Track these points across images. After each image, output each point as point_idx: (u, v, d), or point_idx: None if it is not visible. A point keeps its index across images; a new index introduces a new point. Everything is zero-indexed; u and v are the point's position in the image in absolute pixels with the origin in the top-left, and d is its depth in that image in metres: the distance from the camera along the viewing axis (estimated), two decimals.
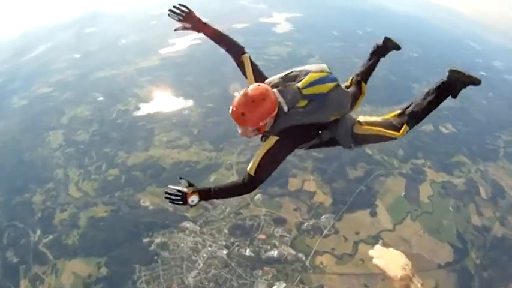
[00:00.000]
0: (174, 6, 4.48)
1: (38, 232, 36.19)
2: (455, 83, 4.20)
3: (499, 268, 37.75)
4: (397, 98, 62.23)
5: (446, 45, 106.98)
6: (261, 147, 4.07)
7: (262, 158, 3.96)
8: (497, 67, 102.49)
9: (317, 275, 32.95)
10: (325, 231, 36.24)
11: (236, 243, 34.43)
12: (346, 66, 62.95)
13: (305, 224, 36.61)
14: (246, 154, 43.85)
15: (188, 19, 4.66)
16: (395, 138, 4.30)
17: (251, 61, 4.50)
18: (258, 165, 3.97)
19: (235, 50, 4.74)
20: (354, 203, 39.36)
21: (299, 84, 3.95)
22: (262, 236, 35.18)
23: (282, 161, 4.19)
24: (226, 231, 35.41)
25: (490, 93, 75.66)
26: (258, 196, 38.81)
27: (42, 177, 42.60)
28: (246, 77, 4.39)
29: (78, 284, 31.63)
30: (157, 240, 34.53)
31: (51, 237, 35.56)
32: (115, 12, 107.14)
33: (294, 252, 34.12)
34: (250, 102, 3.66)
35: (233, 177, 40.40)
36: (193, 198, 3.95)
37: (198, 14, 4.76)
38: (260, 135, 4.31)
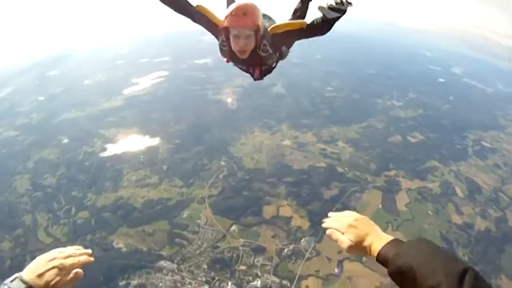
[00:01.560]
0: None
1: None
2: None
3: (488, 261, 38.07)
4: (361, 115, 64.43)
5: (400, 58, 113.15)
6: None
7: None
8: (455, 73, 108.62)
9: None
10: (307, 254, 35.44)
11: (217, 278, 33.08)
12: (308, 91, 64.15)
13: (285, 250, 35.78)
14: (217, 186, 43.44)
15: None
16: (303, 27, 4.61)
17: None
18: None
19: (188, 6, 4.97)
20: None
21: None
22: (243, 267, 33.99)
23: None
24: (205, 266, 34.02)
25: (450, 97, 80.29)
26: (233, 227, 38.09)
27: (10, 224, 40.51)
28: (212, 19, 4.75)
29: None
30: (134, 282, 32.80)
31: None
32: (80, 53, 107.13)
33: (277, 280, 33.08)
34: (247, 6, 4.20)
35: (205, 211, 40.09)
36: None
37: None
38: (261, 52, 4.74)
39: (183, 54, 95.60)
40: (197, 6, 4.74)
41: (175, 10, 5.05)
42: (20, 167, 49.87)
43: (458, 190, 45.86)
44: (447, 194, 44.35)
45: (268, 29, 4.57)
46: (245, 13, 4.10)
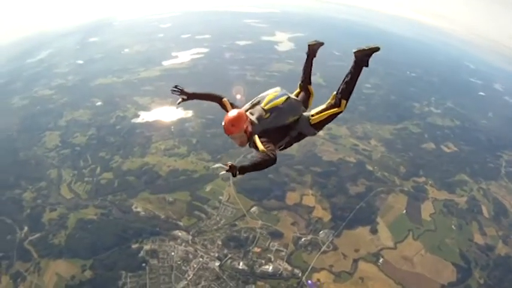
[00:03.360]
0: (174, 87, 5.69)
1: (25, 229, 34.97)
2: (362, 58, 5.19)
3: None
4: (397, 116, 63.15)
5: (443, 65, 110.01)
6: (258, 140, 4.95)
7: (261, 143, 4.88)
8: (497, 89, 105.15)
9: None
10: (324, 247, 35.10)
11: (229, 256, 33.11)
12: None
13: (302, 239, 35.47)
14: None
15: (184, 94, 5.79)
16: (340, 112, 5.38)
17: (230, 102, 5.74)
18: (264, 141, 4.91)
19: (217, 99, 5.92)
20: (354, 219, 38.48)
21: (261, 105, 5.39)
22: (257, 250, 33.93)
23: (274, 141, 5.15)
24: (219, 242, 34.12)
25: (489, 114, 77.39)
26: (254, 208, 38.03)
27: (34, 176, 41.66)
28: (227, 111, 5.33)
29: (61, 285, 30.24)
30: (147, 247, 33.21)
31: (38, 235, 34.34)
32: (121, 23, 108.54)
33: (290, 268, 32.83)
34: (231, 119, 4.85)
35: (229, 189, 40.13)
36: (234, 171, 4.19)
37: (189, 89, 5.73)
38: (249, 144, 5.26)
39: (225, 34, 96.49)
40: (223, 100, 5.76)
41: (207, 100, 6.08)
42: (52, 124, 51.29)
43: (484, 209, 44.24)
44: (473, 211, 42.89)
45: (310, 121, 5.57)
46: (233, 125, 4.82)
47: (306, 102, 6.29)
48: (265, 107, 5.34)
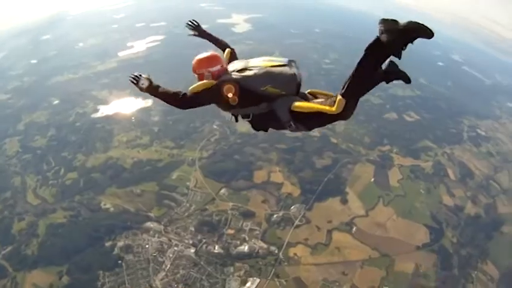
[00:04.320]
0: (189, 21, 6.10)
1: None
2: (395, 39, 3.85)
3: (476, 245, 38.65)
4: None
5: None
6: (204, 82, 4.78)
7: (202, 89, 4.71)
8: (456, 59, 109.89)
9: (292, 267, 31.97)
10: (297, 222, 35.41)
11: (204, 241, 32.96)
12: (306, 62, 63.78)
13: (275, 216, 35.66)
14: (208, 149, 43.06)
15: (197, 29, 6.13)
16: (333, 115, 4.29)
17: (230, 54, 5.69)
18: (196, 92, 4.72)
19: (223, 47, 5.94)
20: (324, 191, 38.89)
21: (253, 61, 4.86)
22: (231, 231, 33.91)
23: (207, 102, 4.87)
24: (192, 228, 33.85)
25: (448, 83, 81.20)
26: (223, 190, 37.84)
27: None
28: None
29: None
30: (120, 244, 32.54)
31: (9, 248, 33.04)
32: (73, 17, 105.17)
33: (265, 246, 33.04)
34: (200, 56, 5.06)
35: (196, 174, 39.75)
36: (144, 82, 4.72)
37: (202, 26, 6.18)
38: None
39: (180, 20, 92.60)
40: (228, 49, 5.82)
41: (214, 43, 6.19)
42: (10, 130, 49.14)
43: (450, 172, 46.06)
44: (439, 175, 44.32)
45: (292, 106, 4.57)
46: (199, 61, 5.06)
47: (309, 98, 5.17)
48: (250, 63, 4.90)
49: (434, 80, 79.71)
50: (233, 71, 4.88)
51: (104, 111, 50.11)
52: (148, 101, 51.51)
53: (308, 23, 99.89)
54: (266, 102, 4.80)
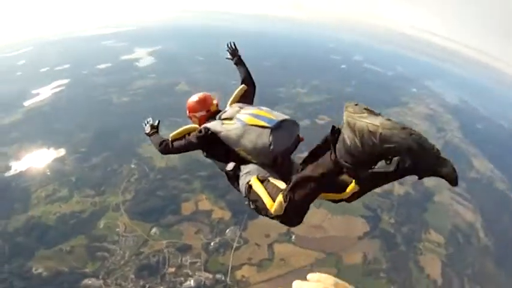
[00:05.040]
0: (229, 43, 5.71)
1: None
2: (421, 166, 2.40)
3: (415, 220, 41.58)
4: (266, 104, 65.53)
5: (300, 50, 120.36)
6: (186, 127, 4.58)
7: (183, 134, 4.52)
8: (357, 59, 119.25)
9: None
10: (235, 244, 35.30)
11: (147, 286, 31.57)
12: (214, 85, 64.96)
13: (212, 244, 35.32)
14: (131, 191, 41.74)
15: (234, 54, 5.71)
16: (271, 214, 3.38)
17: (244, 91, 5.12)
18: (177, 138, 4.54)
19: (244, 82, 5.42)
20: None
21: (242, 110, 4.30)
22: (172, 269, 32.87)
23: (187, 149, 4.52)
24: (132, 276, 32.27)
25: (353, 82, 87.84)
26: (154, 230, 36.84)
27: None
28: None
29: None
30: None
31: None
32: None
33: (211, 276, 32.48)
34: (193, 98, 4.94)
35: (122, 218, 38.34)
36: (148, 129, 5.17)
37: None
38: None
39: (84, 61, 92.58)
40: (244, 86, 5.19)
41: (241, 74, 5.63)
42: None
43: None
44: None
45: (256, 175, 3.71)
46: (190, 102, 4.95)
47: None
48: (239, 114, 4.18)
49: (339, 82, 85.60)
50: (220, 117, 4.39)
51: (16, 167, 46.78)
52: (61, 151, 49.47)
53: (212, 48, 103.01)
54: (237, 163, 4.06)
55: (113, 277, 32.33)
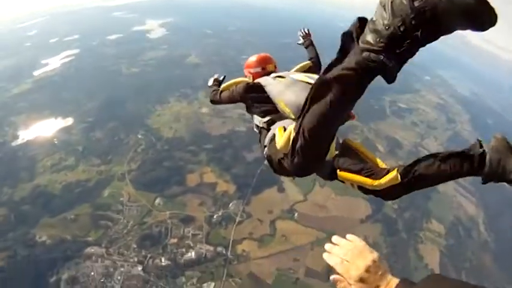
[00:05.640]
0: (302, 29, 5.81)
1: None
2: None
3: (417, 207, 41.30)
4: None
5: (315, 29, 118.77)
6: (236, 80, 4.80)
7: (232, 84, 4.70)
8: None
9: (243, 264, 31.92)
10: (238, 218, 35.40)
11: (149, 256, 31.86)
12: (223, 59, 64.39)
13: (215, 217, 35.40)
14: (137, 161, 41.84)
15: (306, 38, 5.70)
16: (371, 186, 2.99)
17: (308, 67, 4.93)
18: (226, 88, 4.75)
19: (310, 58, 5.36)
20: (259, 183, 39.12)
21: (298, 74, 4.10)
22: (174, 240, 33.11)
23: (233, 99, 4.54)
24: (134, 245, 32.59)
25: None
26: (158, 200, 36.92)
27: None
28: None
29: None
30: (65, 276, 30.54)
31: None
32: None
33: (212, 248, 32.67)
34: (256, 56, 4.88)
35: (127, 188, 38.46)
36: (210, 81, 5.29)
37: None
38: None
39: (94, 31, 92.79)
40: (313, 62, 5.14)
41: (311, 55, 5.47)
42: None
43: (379, 146, 49.17)
44: (369, 149, 46.17)
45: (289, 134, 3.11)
46: (250, 60, 4.88)
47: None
48: (293, 74, 4.01)
49: None
50: (275, 75, 4.19)
51: (24, 136, 47.07)
52: (68, 120, 49.67)
53: (222, 23, 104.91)
54: (269, 116, 3.97)
55: (116, 246, 32.69)
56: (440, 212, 42.39)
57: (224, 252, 32.48)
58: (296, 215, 36.63)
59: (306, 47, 5.62)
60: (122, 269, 30.97)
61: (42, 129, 47.98)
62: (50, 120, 49.86)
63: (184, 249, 32.38)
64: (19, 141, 46.47)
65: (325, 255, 1.97)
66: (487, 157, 2.45)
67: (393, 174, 2.81)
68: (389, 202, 39.48)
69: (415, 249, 37.01)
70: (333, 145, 3.13)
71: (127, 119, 49.15)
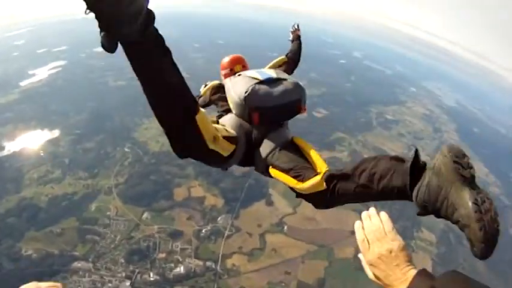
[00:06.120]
0: (294, 25, 5.78)
1: None
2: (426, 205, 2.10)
3: (408, 217, 40.91)
4: None
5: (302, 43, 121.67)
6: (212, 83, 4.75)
7: (204, 92, 4.73)
8: (356, 56, 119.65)
9: (233, 279, 31.61)
10: (227, 232, 35.18)
11: (137, 271, 31.40)
12: (211, 74, 64.99)
13: (203, 231, 35.15)
14: (124, 174, 41.53)
15: (295, 34, 5.72)
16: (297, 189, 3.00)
17: (283, 62, 5.19)
18: (201, 94, 4.75)
19: (287, 53, 5.50)
20: (247, 197, 39.12)
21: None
22: (162, 255, 32.72)
23: (205, 103, 4.57)
24: (122, 260, 32.11)
25: (352, 77, 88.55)
26: (145, 215, 36.59)
27: None
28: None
29: None
30: None
31: None
32: None
33: (201, 263, 32.33)
34: (222, 60, 4.92)
35: (114, 202, 38.06)
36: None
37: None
38: None
39: (82, 43, 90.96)
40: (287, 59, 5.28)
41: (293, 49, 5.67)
42: None
43: None
44: (356, 161, 46.71)
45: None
46: (223, 60, 4.94)
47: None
48: (249, 72, 3.86)
49: (338, 76, 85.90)
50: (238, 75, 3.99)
51: (10, 148, 46.50)
52: (55, 132, 49.17)
53: (210, 36, 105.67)
54: (230, 113, 3.79)
55: (103, 261, 32.17)
56: (430, 220, 42.39)
57: (214, 266, 32.17)
58: (286, 227, 36.58)
59: (292, 41, 5.73)
60: (110, 285, 30.45)
61: (29, 141, 47.46)
62: (37, 132, 49.34)
63: (173, 264, 31.98)
64: (5, 152, 45.77)
65: (356, 226, 1.94)
66: (425, 180, 2.06)
67: (317, 179, 2.71)
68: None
69: None
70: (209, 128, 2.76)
71: (114, 132, 48.92)
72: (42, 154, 45.07)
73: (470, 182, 1.88)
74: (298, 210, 38.28)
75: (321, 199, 2.79)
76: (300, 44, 5.57)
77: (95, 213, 36.68)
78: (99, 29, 1.96)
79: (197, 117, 2.51)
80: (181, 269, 31.61)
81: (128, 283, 30.50)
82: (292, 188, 3.05)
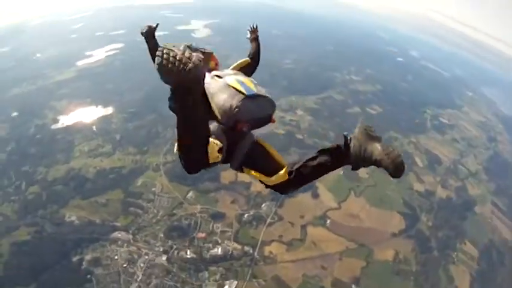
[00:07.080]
0: (251, 26, 6.18)
1: None
2: (358, 157, 3.06)
3: (452, 227, 39.92)
4: (320, 87, 66.71)
5: (356, 38, 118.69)
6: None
7: None
8: (413, 55, 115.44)
9: (269, 266, 31.29)
10: (269, 220, 34.84)
11: (175, 247, 31.67)
12: (266, 63, 64.13)
13: (245, 216, 34.95)
14: (173, 154, 41.27)
15: (253, 33, 6.18)
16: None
17: (246, 63, 5.48)
18: None
19: (249, 54, 5.83)
20: None
21: (233, 75, 4.15)
22: (202, 235, 32.79)
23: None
24: (161, 235, 32.45)
25: (408, 77, 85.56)
26: (190, 194, 36.76)
27: None
28: None
29: None
30: (88, 257, 30.69)
31: None
32: (32, 29, 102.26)
33: (239, 247, 32.22)
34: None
35: (161, 179, 38.53)
36: None
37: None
38: None
39: (140, 27, 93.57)
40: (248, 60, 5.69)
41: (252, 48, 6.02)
42: None
43: (418, 160, 48.30)
44: (407, 163, 44.34)
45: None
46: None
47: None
48: (227, 75, 4.06)
49: (394, 74, 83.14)
50: (212, 74, 4.22)
51: (64, 121, 48.28)
52: (108, 109, 50.55)
53: (265, 27, 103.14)
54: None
55: (143, 233, 32.71)
56: (475, 233, 40.76)
57: (251, 252, 31.96)
58: (328, 222, 35.89)
59: (251, 42, 6.07)
60: (146, 257, 30.90)
61: (82, 116, 49.09)
62: (91, 108, 50.88)
63: (211, 245, 32.04)
64: (59, 125, 47.71)
65: None
66: (351, 145, 3.04)
67: (281, 173, 3.52)
68: (424, 219, 38.40)
69: (445, 270, 35.47)
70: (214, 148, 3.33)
71: (166, 112, 48.38)
72: (94, 129, 46.47)
73: (379, 139, 2.96)
74: (343, 205, 37.63)
75: (284, 186, 3.56)
76: (259, 45, 5.92)
77: (140, 187, 37.31)
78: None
79: (208, 146, 3.11)
80: (218, 251, 31.60)
81: (164, 258, 30.84)
82: (261, 181, 3.73)
